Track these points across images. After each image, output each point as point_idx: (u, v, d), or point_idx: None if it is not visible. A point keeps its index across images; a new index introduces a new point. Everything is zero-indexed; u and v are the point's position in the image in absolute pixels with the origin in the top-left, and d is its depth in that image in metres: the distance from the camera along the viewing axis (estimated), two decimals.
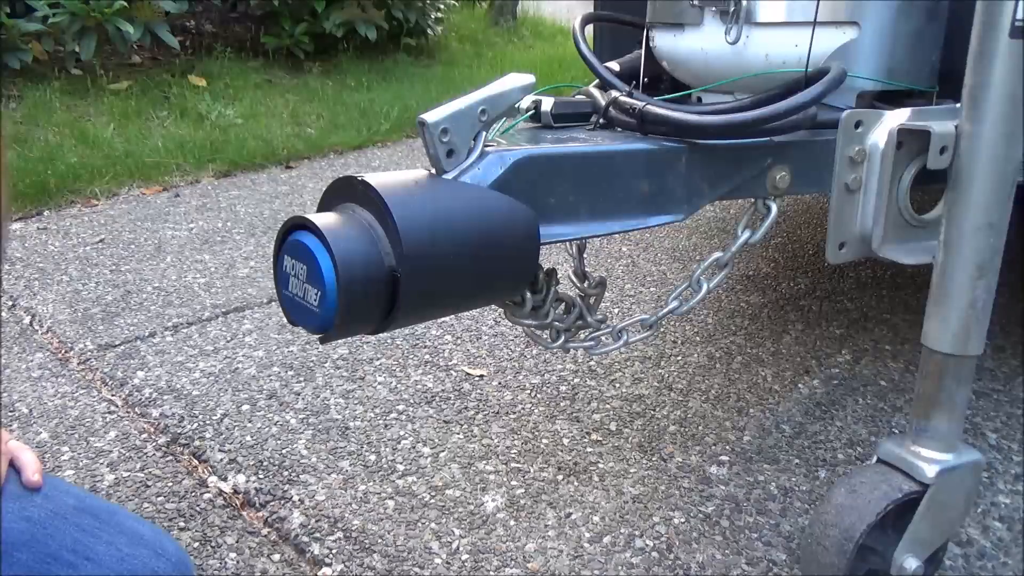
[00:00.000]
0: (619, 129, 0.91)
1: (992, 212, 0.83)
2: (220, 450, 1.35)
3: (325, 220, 0.64)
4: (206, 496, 1.24)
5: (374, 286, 0.64)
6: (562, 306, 0.91)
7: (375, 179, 0.66)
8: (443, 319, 1.80)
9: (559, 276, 0.89)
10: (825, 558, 0.93)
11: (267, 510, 1.21)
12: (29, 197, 2.54)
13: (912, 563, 0.91)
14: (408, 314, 0.67)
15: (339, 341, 1.70)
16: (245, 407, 1.47)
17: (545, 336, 0.92)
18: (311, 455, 1.34)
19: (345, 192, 0.69)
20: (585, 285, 0.96)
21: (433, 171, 0.72)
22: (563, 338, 0.92)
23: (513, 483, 1.28)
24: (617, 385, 1.57)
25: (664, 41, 1.14)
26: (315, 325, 0.65)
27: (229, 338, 1.73)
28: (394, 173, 0.70)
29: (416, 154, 3.36)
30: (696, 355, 1.69)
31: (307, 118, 3.63)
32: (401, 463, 1.33)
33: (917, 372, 0.93)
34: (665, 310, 0.94)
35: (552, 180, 0.77)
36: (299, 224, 0.66)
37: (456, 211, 0.69)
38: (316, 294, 0.64)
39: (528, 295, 0.85)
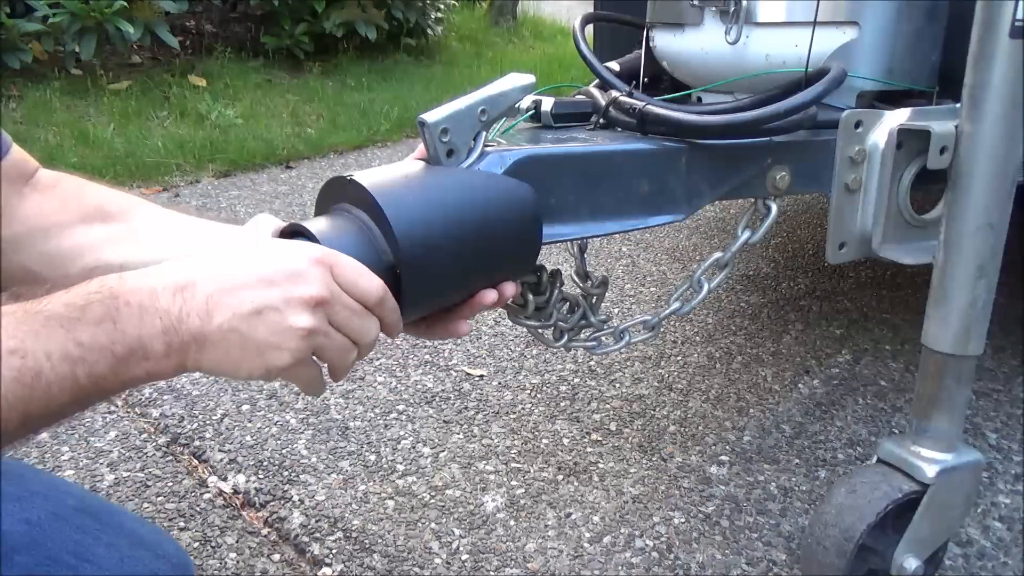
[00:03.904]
0: (619, 129, 0.91)
1: (992, 212, 0.83)
2: (220, 450, 1.35)
3: (319, 226, 0.64)
4: (206, 496, 1.24)
5: None
6: (566, 306, 0.91)
7: (364, 177, 0.66)
8: None
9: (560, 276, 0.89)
10: (825, 558, 0.93)
11: (267, 510, 1.21)
12: None
13: (912, 563, 0.91)
14: (415, 306, 0.67)
15: None
16: (245, 407, 1.47)
17: (548, 335, 0.92)
18: (311, 455, 1.34)
19: (337, 193, 0.69)
20: (587, 285, 0.96)
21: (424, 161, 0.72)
22: (566, 337, 0.92)
23: (513, 483, 1.28)
24: (617, 385, 1.57)
25: (664, 41, 1.14)
26: None
27: None
28: (384, 168, 0.69)
29: None
30: (696, 355, 1.69)
31: (307, 118, 3.63)
32: (401, 463, 1.33)
33: (917, 372, 0.93)
34: (667, 311, 0.94)
35: (552, 180, 0.77)
36: (296, 232, 0.66)
37: (450, 194, 0.68)
38: None
39: (531, 297, 0.85)
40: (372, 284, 0.60)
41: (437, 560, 1.12)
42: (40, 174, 0.75)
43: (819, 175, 0.92)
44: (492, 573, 1.10)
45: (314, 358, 0.59)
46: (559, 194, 0.78)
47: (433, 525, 1.19)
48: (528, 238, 0.73)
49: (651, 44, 1.16)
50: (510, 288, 0.73)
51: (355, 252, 0.62)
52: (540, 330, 0.90)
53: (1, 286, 0.74)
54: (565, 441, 1.39)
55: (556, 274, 0.87)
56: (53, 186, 0.75)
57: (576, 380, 1.59)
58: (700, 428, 1.43)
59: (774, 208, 0.91)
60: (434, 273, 0.66)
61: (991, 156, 0.81)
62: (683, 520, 1.21)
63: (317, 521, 1.19)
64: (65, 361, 0.49)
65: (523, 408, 1.49)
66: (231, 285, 0.55)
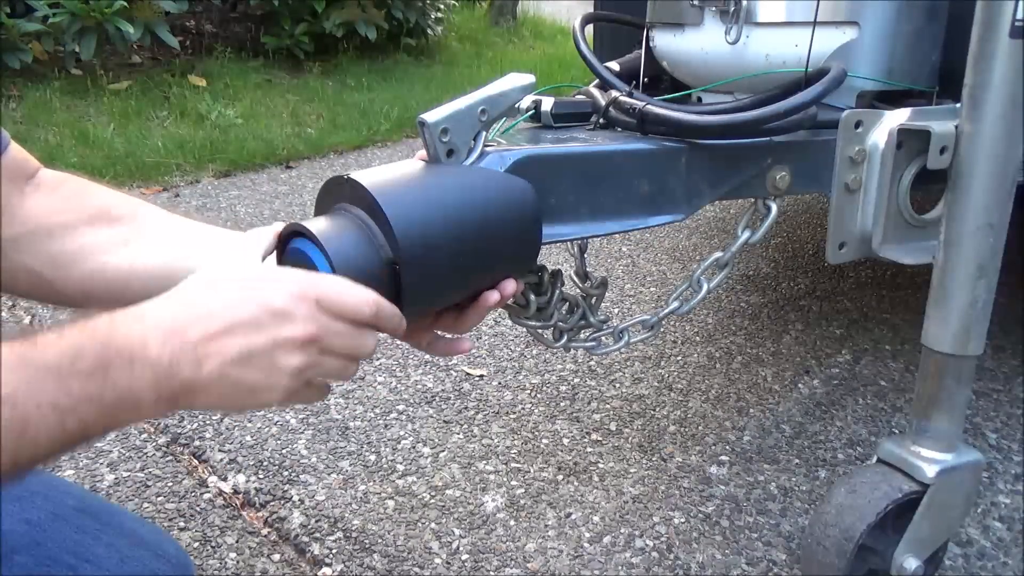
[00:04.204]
0: (619, 129, 0.91)
1: (992, 212, 0.83)
2: (220, 450, 1.35)
3: (319, 225, 0.64)
4: (206, 496, 1.24)
5: (374, 283, 0.64)
6: (566, 306, 0.91)
7: (363, 176, 0.66)
8: None
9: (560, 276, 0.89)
10: (825, 558, 0.93)
11: (267, 510, 1.21)
12: None
13: (912, 563, 0.91)
14: (415, 304, 0.67)
15: None
16: None
17: (548, 336, 0.92)
18: (311, 455, 1.34)
19: (337, 192, 0.69)
20: (587, 285, 0.96)
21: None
22: (566, 338, 0.92)
23: (513, 483, 1.28)
24: (617, 385, 1.57)
25: (664, 41, 1.14)
26: None
27: None
28: (383, 167, 0.70)
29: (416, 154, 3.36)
30: (696, 355, 1.69)
31: (307, 118, 3.63)
32: (401, 463, 1.33)
33: (917, 372, 0.93)
34: (666, 311, 0.94)
35: (552, 180, 0.77)
36: (295, 232, 0.66)
37: (449, 192, 0.68)
38: None
39: (532, 297, 0.85)
40: (362, 302, 0.59)
41: (437, 560, 1.12)
42: (43, 174, 0.75)
43: (819, 175, 0.92)
44: (492, 573, 1.10)
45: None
46: (559, 194, 0.78)
47: (433, 525, 1.19)
48: (528, 235, 0.73)
49: (651, 44, 1.16)
50: (511, 286, 0.73)
51: (355, 251, 0.62)
52: (540, 330, 0.90)
53: (1, 286, 0.74)
54: (565, 441, 1.39)
55: (557, 274, 0.87)
56: (57, 186, 0.75)
57: (576, 380, 1.59)
58: (700, 428, 1.43)
59: (774, 208, 0.91)
60: (434, 270, 0.66)
61: (991, 156, 0.81)
62: (683, 520, 1.21)
63: (317, 521, 1.19)
64: (55, 411, 0.50)
65: (523, 408, 1.49)
66: (218, 329, 0.55)
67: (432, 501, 1.24)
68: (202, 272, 0.59)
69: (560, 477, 1.30)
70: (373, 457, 1.34)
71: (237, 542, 1.15)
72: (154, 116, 3.36)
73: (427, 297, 0.68)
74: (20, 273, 0.73)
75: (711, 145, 0.86)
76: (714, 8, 1.04)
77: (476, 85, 0.73)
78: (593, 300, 0.95)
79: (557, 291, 0.87)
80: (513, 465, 1.33)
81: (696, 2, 1.05)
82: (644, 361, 1.66)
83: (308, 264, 0.63)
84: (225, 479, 1.28)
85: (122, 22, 3.34)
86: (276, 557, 1.13)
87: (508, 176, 0.72)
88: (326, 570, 1.11)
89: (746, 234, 0.91)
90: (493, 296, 0.72)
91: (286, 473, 1.29)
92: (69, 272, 0.73)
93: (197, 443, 1.37)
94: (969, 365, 0.89)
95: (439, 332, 0.76)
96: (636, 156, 0.83)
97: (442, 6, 5.07)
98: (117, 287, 0.74)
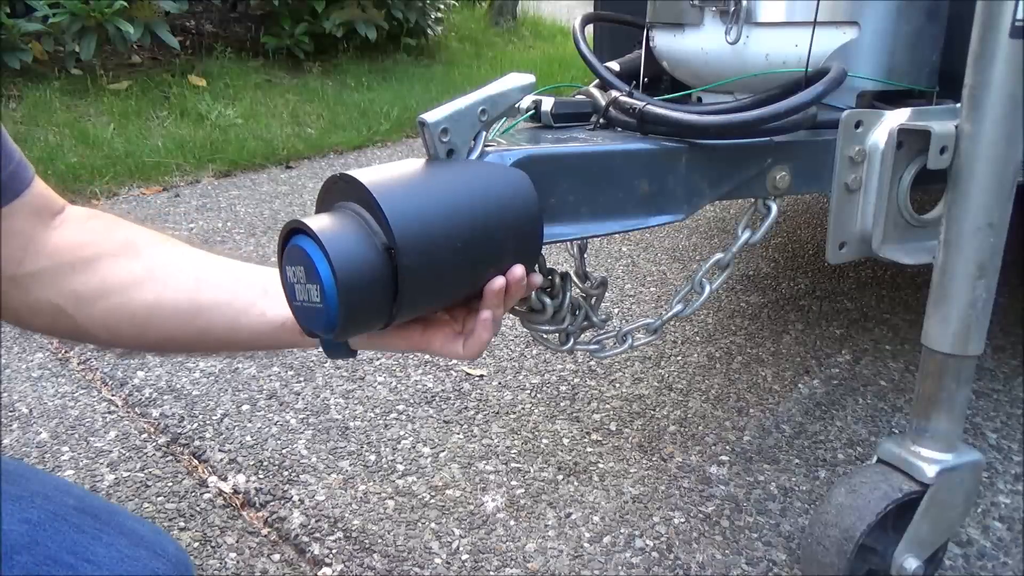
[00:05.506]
0: (619, 129, 0.91)
1: (992, 212, 0.83)
2: (220, 450, 1.35)
3: (317, 222, 0.64)
4: (206, 496, 1.24)
5: (373, 276, 0.64)
6: (570, 308, 0.91)
7: (360, 172, 0.66)
8: None
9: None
10: (825, 558, 0.93)
11: (267, 510, 1.21)
12: None
13: (912, 563, 0.91)
14: (415, 300, 0.66)
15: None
16: (245, 407, 1.47)
17: (554, 340, 0.92)
18: (311, 455, 1.34)
19: (335, 191, 0.69)
20: (587, 285, 0.96)
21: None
22: (572, 341, 0.92)
23: (513, 483, 1.28)
24: (617, 385, 1.57)
25: (664, 41, 1.14)
26: (323, 325, 0.65)
27: None
28: (382, 165, 0.70)
29: (416, 154, 3.36)
30: (696, 355, 1.69)
31: (307, 118, 3.63)
32: (401, 463, 1.33)
33: (917, 372, 0.93)
34: (670, 313, 0.94)
35: (552, 180, 0.77)
36: (293, 229, 0.66)
37: (444, 182, 0.68)
38: (317, 291, 0.63)
39: (548, 300, 0.85)
40: None
41: (437, 560, 1.12)
42: (70, 210, 0.74)
43: (819, 175, 0.92)
44: (492, 573, 1.10)
45: None
46: (559, 194, 0.78)
47: (433, 525, 1.19)
48: (529, 225, 0.72)
49: (651, 44, 1.16)
50: (519, 270, 0.70)
51: (352, 244, 0.62)
52: (546, 335, 0.91)
53: (1, 314, 0.73)
54: (565, 441, 1.39)
55: (566, 277, 0.87)
56: (84, 221, 0.74)
57: (576, 380, 1.59)
58: (700, 428, 1.43)
59: (774, 208, 0.91)
60: (432, 260, 0.66)
61: (991, 156, 0.81)
62: (683, 520, 1.21)
63: (317, 521, 1.19)
64: None
65: (523, 408, 1.49)
66: None
67: (432, 501, 1.24)
68: None
69: (560, 477, 1.30)
70: (373, 457, 1.34)
71: (237, 542, 1.15)
72: (154, 116, 3.36)
73: (427, 287, 0.67)
74: (43, 308, 0.71)
75: (711, 145, 0.86)
76: (714, 8, 1.04)
77: (476, 85, 0.73)
78: (593, 300, 0.95)
79: (568, 294, 0.87)
80: (513, 465, 1.33)
81: (696, 2, 1.05)
82: (644, 361, 1.66)
83: (307, 260, 0.63)
84: (225, 479, 1.28)
85: (122, 22, 3.35)
86: (276, 557, 1.13)
87: (505, 167, 0.72)
88: (326, 570, 1.11)
89: (746, 234, 0.91)
90: (499, 281, 0.69)
91: (286, 473, 1.29)
92: (92, 308, 0.71)
93: (197, 443, 1.37)
94: (969, 365, 0.89)
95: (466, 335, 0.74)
96: (636, 156, 0.83)
97: (442, 6, 5.07)
98: (141, 322, 0.73)
